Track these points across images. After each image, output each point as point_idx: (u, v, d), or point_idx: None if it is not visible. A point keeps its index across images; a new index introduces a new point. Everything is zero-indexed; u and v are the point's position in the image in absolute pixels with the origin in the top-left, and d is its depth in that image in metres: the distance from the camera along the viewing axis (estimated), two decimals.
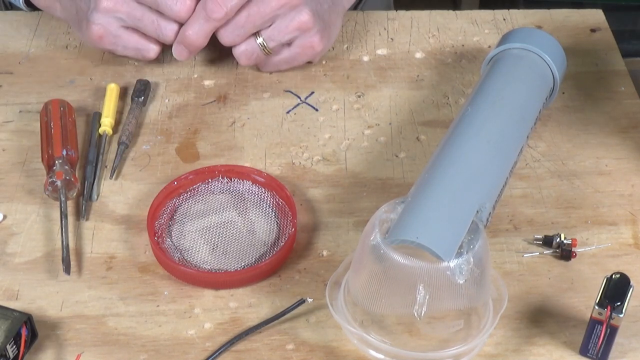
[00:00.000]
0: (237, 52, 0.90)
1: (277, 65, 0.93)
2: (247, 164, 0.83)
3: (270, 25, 0.88)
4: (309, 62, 0.94)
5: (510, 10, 1.04)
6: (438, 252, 0.63)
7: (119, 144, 0.85)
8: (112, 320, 0.71)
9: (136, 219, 0.79)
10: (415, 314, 0.65)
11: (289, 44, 0.90)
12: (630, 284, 0.65)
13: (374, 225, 0.66)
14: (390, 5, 1.22)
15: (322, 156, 0.85)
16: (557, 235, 0.76)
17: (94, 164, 0.83)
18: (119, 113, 0.89)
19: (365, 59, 0.97)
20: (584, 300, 0.72)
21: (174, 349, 0.69)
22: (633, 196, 0.82)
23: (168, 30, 0.88)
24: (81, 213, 0.79)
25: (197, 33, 0.88)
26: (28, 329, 0.67)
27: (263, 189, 0.81)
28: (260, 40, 0.89)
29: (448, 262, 0.63)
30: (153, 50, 0.91)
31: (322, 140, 0.87)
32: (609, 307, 0.64)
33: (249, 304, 0.73)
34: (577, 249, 0.76)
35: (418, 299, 0.64)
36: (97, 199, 0.81)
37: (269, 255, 0.75)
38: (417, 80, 0.94)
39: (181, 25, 0.88)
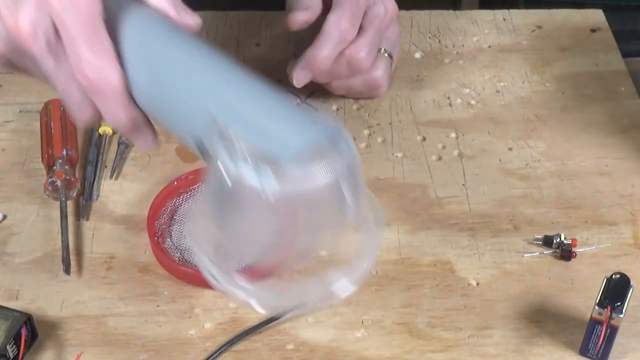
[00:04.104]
0: (378, 75, 0.85)
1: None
2: None
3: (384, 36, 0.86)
4: None
5: (510, 10, 1.04)
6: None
7: (119, 144, 0.85)
8: (112, 320, 0.71)
9: (136, 219, 0.79)
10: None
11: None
12: (630, 284, 0.65)
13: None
14: None
15: None
16: (557, 235, 0.76)
17: (94, 164, 0.83)
18: None
19: None
20: (584, 300, 0.72)
21: (174, 349, 0.69)
22: (633, 196, 0.82)
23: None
24: (81, 213, 0.79)
25: (330, 56, 0.82)
26: (28, 329, 0.67)
27: None
28: (386, 54, 0.86)
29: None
30: None
31: None
32: (609, 307, 0.64)
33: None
34: (577, 249, 0.76)
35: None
36: (97, 199, 0.81)
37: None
38: (417, 80, 0.94)
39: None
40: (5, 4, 0.56)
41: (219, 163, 0.51)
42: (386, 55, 0.86)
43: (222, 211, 0.55)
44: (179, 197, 0.80)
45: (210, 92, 0.56)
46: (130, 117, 0.59)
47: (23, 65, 0.62)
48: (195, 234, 0.59)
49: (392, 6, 0.86)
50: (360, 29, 0.83)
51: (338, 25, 0.81)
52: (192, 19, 0.61)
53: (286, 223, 0.53)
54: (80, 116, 0.61)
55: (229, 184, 0.51)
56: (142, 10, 0.60)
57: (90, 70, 0.56)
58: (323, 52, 0.81)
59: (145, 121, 0.61)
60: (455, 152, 0.86)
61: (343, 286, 0.57)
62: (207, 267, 0.57)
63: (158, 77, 0.58)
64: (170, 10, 0.60)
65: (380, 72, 0.85)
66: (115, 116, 0.59)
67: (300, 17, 0.81)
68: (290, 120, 0.54)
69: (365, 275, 0.58)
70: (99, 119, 0.60)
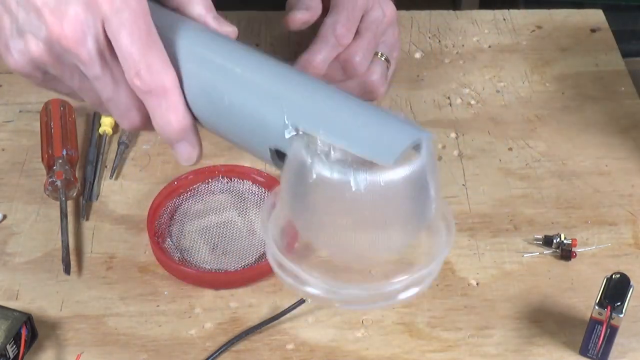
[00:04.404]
0: (373, 79, 0.84)
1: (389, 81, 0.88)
2: (247, 164, 0.83)
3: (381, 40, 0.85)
4: None
5: (510, 10, 1.04)
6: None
7: (119, 144, 0.85)
8: (112, 320, 0.71)
9: (136, 219, 0.79)
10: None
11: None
12: (630, 284, 0.65)
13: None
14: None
15: None
16: (557, 235, 0.76)
17: (94, 164, 0.83)
18: None
19: None
20: (584, 300, 0.72)
21: (174, 349, 0.69)
22: (633, 196, 0.82)
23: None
24: (81, 213, 0.79)
25: (325, 60, 0.81)
26: (28, 329, 0.67)
27: (263, 189, 0.81)
28: (382, 58, 0.85)
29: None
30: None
31: None
32: (609, 307, 0.64)
33: (249, 304, 0.73)
34: (577, 249, 0.76)
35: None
36: (97, 199, 0.81)
37: None
38: (417, 80, 0.94)
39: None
40: (48, 6, 0.54)
41: (308, 166, 0.52)
42: (383, 59, 0.86)
43: (308, 212, 0.55)
44: (179, 197, 0.80)
45: (288, 97, 0.55)
46: (181, 122, 0.57)
47: (59, 73, 0.58)
48: (267, 227, 0.58)
49: (391, 10, 0.86)
50: (357, 33, 0.83)
51: (334, 30, 0.81)
52: (230, 29, 0.60)
53: (374, 220, 0.53)
54: (126, 122, 0.59)
55: (318, 181, 0.51)
56: (184, 20, 0.59)
57: (146, 72, 0.55)
58: (318, 56, 0.80)
59: (194, 129, 0.59)
60: (455, 152, 0.86)
61: (408, 290, 0.57)
62: (277, 258, 0.57)
63: (218, 84, 0.56)
64: (210, 20, 0.59)
65: (375, 77, 0.85)
66: (167, 120, 0.57)
67: (300, 17, 0.81)
68: (376, 122, 0.53)
69: (432, 280, 0.58)
70: (146, 124, 0.59)
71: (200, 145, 0.60)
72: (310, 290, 0.57)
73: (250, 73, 0.56)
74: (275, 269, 0.57)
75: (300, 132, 0.53)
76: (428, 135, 0.52)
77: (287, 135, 0.53)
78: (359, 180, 0.50)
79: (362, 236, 0.55)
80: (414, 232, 0.56)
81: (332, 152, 0.52)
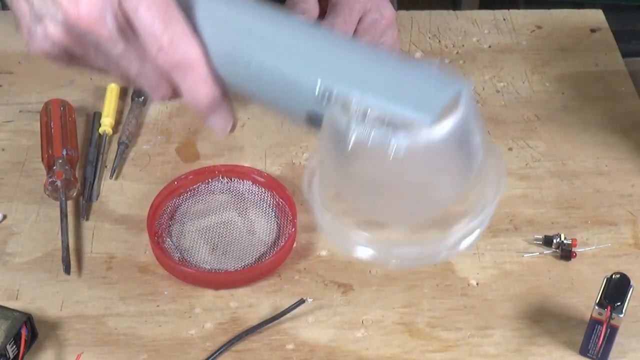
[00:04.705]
0: None
1: None
2: (247, 164, 0.83)
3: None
4: None
5: (511, 10, 1.04)
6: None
7: (119, 144, 0.85)
8: (112, 320, 0.71)
9: (136, 219, 0.79)
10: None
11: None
12: (630, 284, 0.65)
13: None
14: (393, 4, 1.21)
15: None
16: (557, 235, 0.76)
17: (94, 164, 0.83)
18: (119, 113, 0.89)
19: None
20: (584, 300, 0.72)
21: (174, 349, 0.69)
22: (633, 196, 0.82)
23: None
24: (81, 213, 0.79)
25: None
26: (28, 329, 0.67)
27: (263, 189, 0.81)
28: None
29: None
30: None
31: None
32: (609, 307, 0.64)
33: (249, 304, 0.73)
34: (577, 249, 0.76)
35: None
36: (97, 199, 0.81)
37: (269, 255, 0.75)
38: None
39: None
40: None
41: (345, 130, 0.50)
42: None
43: (349, 175, 0.54)
44: (179, 197, 0.80)
45: (319, 59, 0.53)
46: (211, 94, 0.55)
47: (84, 54, 0.57)
48: (314, 191, 0.57)
49: (389, 12, 0.86)
50: (355, 35, 0.83)
51: (331, 26, 0.80)
52: None
53: (419, 179, 0.52)
54: (158, 94, 0.57)
55: (357, 146, 0.50)
56: None
57: (169, 47, 0.53)
58: None
59: (225, 99, 0.56)
60: None
61: (466, 239, 0.56)
62: (325, 220, 0.57)
63: (244, 49, 0.54)
64: None
65: None
66: (196, 93, 0.55)
67: None
68: (411, 79, 0.52)
69: (484, 227, 0.57)
70: (177, 94, 0.57)
71: (234, 114, 0.58)
72: (364, 250, 0.56)
73: (277, 35, 0.54)
74: (327, 233, 0.57)
75: (335, 95, 0.51)
76: (466, 84, 0.51)
77: (321, 99, 0.51)
78: (399, 142, 0.48)
79: (407, 196, 0.54)
80: (463, 184, 0.54)
81: (369, 114, 0.50)
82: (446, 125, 0.49)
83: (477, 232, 0.56)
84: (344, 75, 0.52)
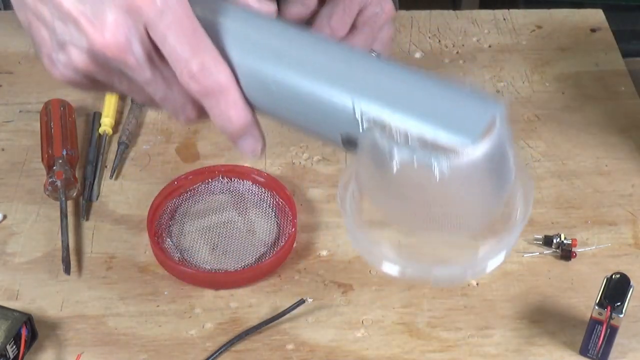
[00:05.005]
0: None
1: None
2: (247, 164, 0.83)
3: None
4: None
5: (511, 10, 1.04)
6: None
7: (119, 144, 0.85)
8: (112, 320, 0.71)
9: (136, 219, 0.79)
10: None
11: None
12: (630, 284, 0.65)
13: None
14: (394, 4, 1.21)
15: (322, 156, 0.85)
16: (557, 235, 0.76)
17: (94, 164, 0.83)
18: (119, 113, 0.89)
19: None
20: (584, 300, 0.72)
21: (174, 349, 0.69)
22: (633, 196, 0.82)
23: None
24: (81, 213, 0.79)
25: None
26: (28, 329, 0.67)
27: (263, 189, 0.81)
28: (374, 54, 0.84)
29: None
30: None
31: None
32: (609, 307, 0.64)
33: (249, 304, 0.73)
34: (577, 249, 0.76)
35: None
36: (97, 199, 0.81)
37: (269, 255, 0.75)
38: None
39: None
40: (85, 15, 0.51)
41: (387, 153, 0.50)
42: (374, 55, 0.85)
43: (387, 195, 0.54)
44: (179, 197, 0.80)
45: (354, 80, 0.52)
46: (242, 118, 0.54)
47: (108, 80, 0.55)
48: (346, 209, 0.59)
49: (390, 6, 0.85)
50: (354, 27, 0.83)
51: (329, 20, 0.80)
52: (272, 8, 0.57)
53: (457, 199, 0.53)
54: (183, 118, 0.56)
55: (396, 168, 0.50)
56: (223, 5, 0.56)
57: (200, 73, 0.52)
58: None
59: (255, 122, 0.55)
60: None
61: (492, 260, 0.58)
62: (358, 238, 0.58)
63: (275, 71, 0.53)
64: (251, 0, 0.56)
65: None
66: (227, 118, 0.54)
67: (294, 11, 0.80)
68: (448, 102, 0.52)
69: (513, 246, 0.58)
70: (203, 117, 0.56)
71: (264, 136, 0.57)
72: (391, 267, 0.58)
73: (309, 56, 0.54)
74: (360, 251, 0.59)
75: (373, 118, 0.51)
76: (501, 106, 0.51)
77: (358, 121, 0.51)
78: (442, 164, 0.49)
79: (445, 215, 0.54)
80: (497, 204, 0.55)
81: (411, 136, 0.50)
82: (485, 145, 0.49)
83: (503, 253, 0.57)
84: (382, 97, 0.52)
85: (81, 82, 0.56)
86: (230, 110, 0.54)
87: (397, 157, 0.50)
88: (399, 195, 0.54)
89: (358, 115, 0.51)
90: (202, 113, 0.56)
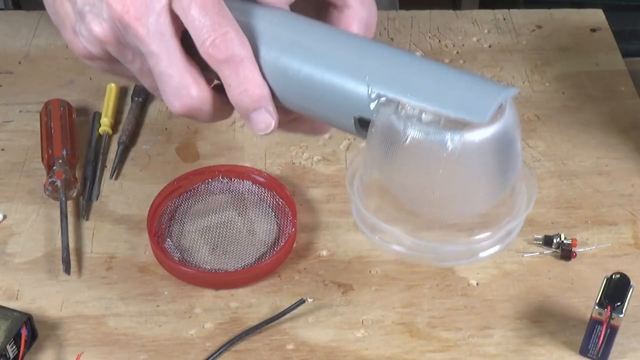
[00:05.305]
0: None
1: None
2: (247, 164, 0.83)
3: None
4: None
5: (511, 10, 1.04)
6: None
7: (119, 144, 0.85)
8: (112, 320, 0.71)
9: (136, 219, 0.79)
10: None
11: None
12: (630, 284, 0.65)
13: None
14: (394, 4, 1.21)
15: (322, 156, 0.85)
16: (557, 235, 0.76)
17: (94, 164, 0.83)
18: (119, 113, 0.89)
19: None
20: (584, 300, 0.72)
21: (174, 349, 0.69)
22: (633, 196, 0.82)
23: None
24: (81, 213, 0.79)
25: None
26: (28, 329, 0.67)
27: (263, 189, 0.81)
28: None
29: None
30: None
31: (322, 140, 0.87)
32: (609, 307, 0.64)
33: (249, 304, 0.73)
34: (577, 249, 0.76)
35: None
36: (97, 199, 0.81)
37: (269, 255, 0.75)
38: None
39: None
40: None
41: (401, 131, 0.52)
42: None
43: (399, 173, 0.55)
44: (179, 197, 0.80)
45: (369, 65, 0.54)
46: (259, 88, 0.55)
47: (122, 56, 0.57)
48: (352, 189, 0.61)
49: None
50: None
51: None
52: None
53: (467, 178, 0.54)
54: (180, 101, 0.56)
55: (413, 147, 0.52)
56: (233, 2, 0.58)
57: (222, 41, 0.53)
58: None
59: (270, 97, 0.56)
60: None
61: (490, 247, 0.60)
62: (364, 218, 0.60)
63: (292, 59, 0.55)
64: None
65: None
66: (244, 88, 0.55)
67: None
68: (461, 82, 0.53)
69: (512, 239, 0.61)
70: (200, 104, 0.56)
71: (277, 113, 0.57)
72: (398, 248, 0.60)
73: (324, 44, 0.56)
74: (363, 229, 0.60)
75: (385, 99, 0.52)
76: (514, 90, 0.53)
77: (372, 104, 0.53)
78: (455, 140, 0.51)
79: (454, 194, 0.56)
80: (503, 189, 0.57)
81: (423, 115, 0.52)
82: (498, 124, 0.51)
83: (497, 247, 0.60)
84: (395, 80, 0.53)
85: (100, 58, 0.58)
86: (248, 80, 0.55)
87: (411, 133, 0.52)
88: (410, 174, 0.55)
89: (372, 96, 0.53)
90: (202, 93, 0.56)
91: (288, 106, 0.58)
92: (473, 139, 0.51)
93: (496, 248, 0.60)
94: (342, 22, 0.62)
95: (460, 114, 0.51)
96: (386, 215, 0.61)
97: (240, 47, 0.54)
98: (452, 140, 0.51)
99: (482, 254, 0.60)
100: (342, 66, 0.54)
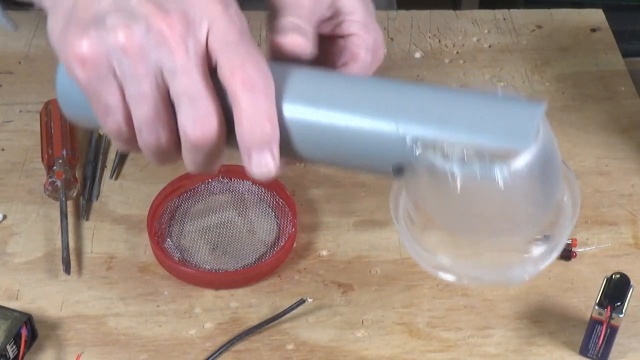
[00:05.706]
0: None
1: None
2: None
3: None
4: None
5: (511, 10, 1.04)
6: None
7: None
8: (112, 320, 0.71)
9: (136, 219, 0.79)
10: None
11: None
12: (630, 284, 0.65)
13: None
14: (392, 4, 1.21)
15: None
16: None
17: (93, 164, 0.83)
18: None
19: None
20: (584, 300, 0.72)
21: (174, 349, 0.69)
22: (633, 196, 0.82)
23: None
24: (81, 213, 0.79)
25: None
26: (28, 329, 0.67)
27: (263, 189, 0.81)
28: None
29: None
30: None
31: None
32: (609, 307, 0.64)
33: (249, 304, 0.73)
34: (577, 249, 0.76)
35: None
36: (97, 199, 0.81)
37: (269, 255, 0.75)
38: (417, 80, 0.94)
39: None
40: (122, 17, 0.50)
41: (447, 172, 0.51)
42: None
43: (449, 210, 0.55)
44: (179, 197, 0.80)
45: (398, 110, 0.52)
46: (274, 128, 0.52)
47: (133, 72, 0.52)
48: (399, 220, 0.60)
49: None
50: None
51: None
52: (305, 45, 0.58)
53: (520, 201, 0.53)
54: (202, 128, 0.53)
55: (460, 185, 0.51)
56: None
57: (252, 67, 0.52)
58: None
59: (277, 142, 0.53)
60: None
61: (549, 256, 0.59)
62: (413, 247, 0.60)
63: (319, 117, 0.53)
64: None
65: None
66: (260, 120, 0.52)
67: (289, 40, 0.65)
68: (492, 110, 0.52)
69: (558, 252, 0.59)
70: (216, 136, 0.53)
71: (280, 161, 0.54)
72: (467, 282, 0.62)
73: (347, 95, 0.54)
74: (425, 267, 0.60)
75: (424, 142, 0.51)
76: (544, 104, 0.52)
77: (409, 148, 0.51)
78: (504, 172, 0.50)
79: (506, 221, 0.55)
80: (555, 199, 0.56)
81: (465, 152, 0.51)
82: (539, 144, 0.50)
83: (554, 253, 0.59)
84: (428, 118, 0.52)
85: (96, 64, 0.52)
86: (265, 114, 0.52)
87: (459, 174, 0.51)
88: (461, 209, 0.54)
89: (409, 142, 0.51)
90: (222, 127, 0.53)
91: (319, 163, 0.56)
92: (520, 166, 0.50)
93: (554, 254, 0.59)
94: (349, 50, 0.61)
95: (504, 143, 0.50)
96: (444, 248, 0.61)
97: (268, 79, 0.52)
98: (501, 173, 0.50)
99: (542, 266, 0.59)
100: (372, 115, 0.52)
